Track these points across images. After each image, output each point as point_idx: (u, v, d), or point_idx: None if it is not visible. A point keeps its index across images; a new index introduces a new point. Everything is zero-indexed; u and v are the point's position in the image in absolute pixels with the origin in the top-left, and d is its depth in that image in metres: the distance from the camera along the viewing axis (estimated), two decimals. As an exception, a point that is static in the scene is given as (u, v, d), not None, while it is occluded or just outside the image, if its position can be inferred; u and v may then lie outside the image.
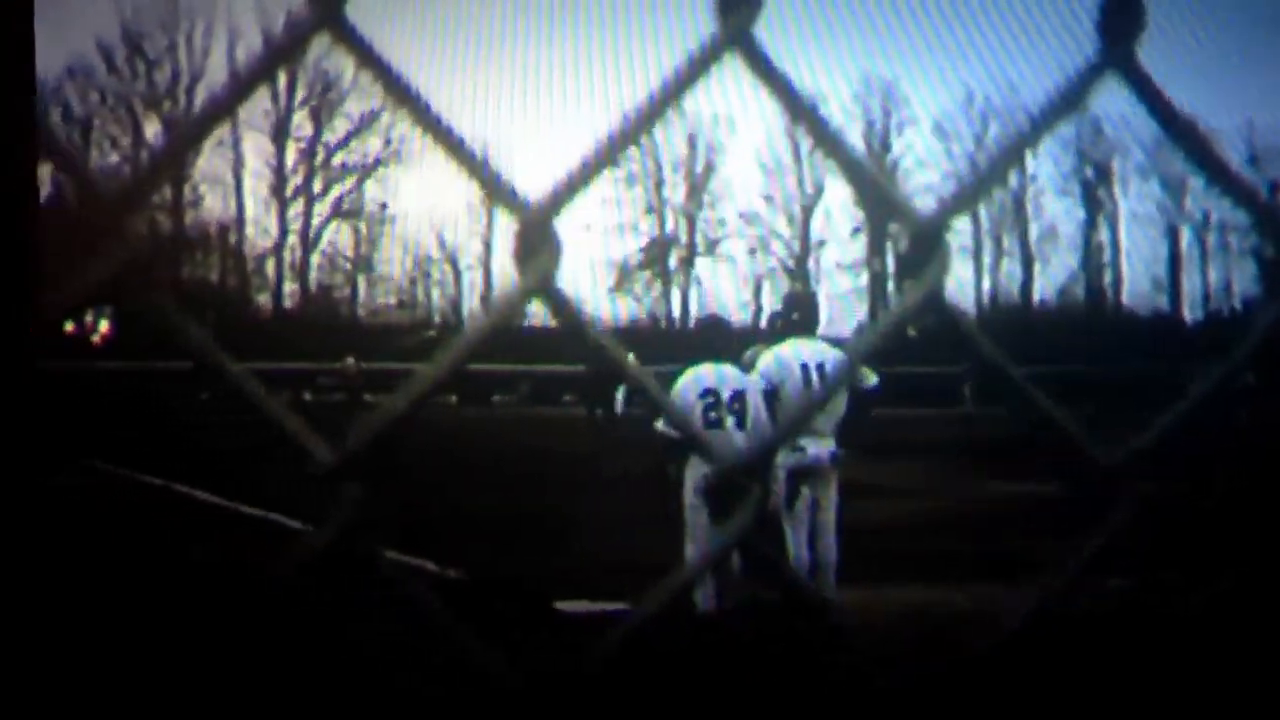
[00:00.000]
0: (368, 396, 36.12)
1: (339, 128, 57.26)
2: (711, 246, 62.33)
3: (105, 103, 54.69)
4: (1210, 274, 62.71)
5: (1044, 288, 62.75)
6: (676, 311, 60.43)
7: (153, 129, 54.71)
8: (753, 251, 62.26)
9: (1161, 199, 61.38)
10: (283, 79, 54.53)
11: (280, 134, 57.17)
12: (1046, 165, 60.10)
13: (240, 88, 0.74)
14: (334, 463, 0.71)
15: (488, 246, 58.23)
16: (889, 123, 61.88)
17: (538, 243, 0.77)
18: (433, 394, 0.77)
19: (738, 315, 54.49)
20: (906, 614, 7.87)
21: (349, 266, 59.59)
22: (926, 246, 0.82)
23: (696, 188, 61.71)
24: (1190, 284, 62.74)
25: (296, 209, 57.80)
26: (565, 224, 0.79)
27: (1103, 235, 62.88)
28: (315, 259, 58.66)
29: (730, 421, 7.41)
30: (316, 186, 58.13)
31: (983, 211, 60.60)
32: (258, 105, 55.11)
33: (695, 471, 7.00)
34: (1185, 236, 62.52)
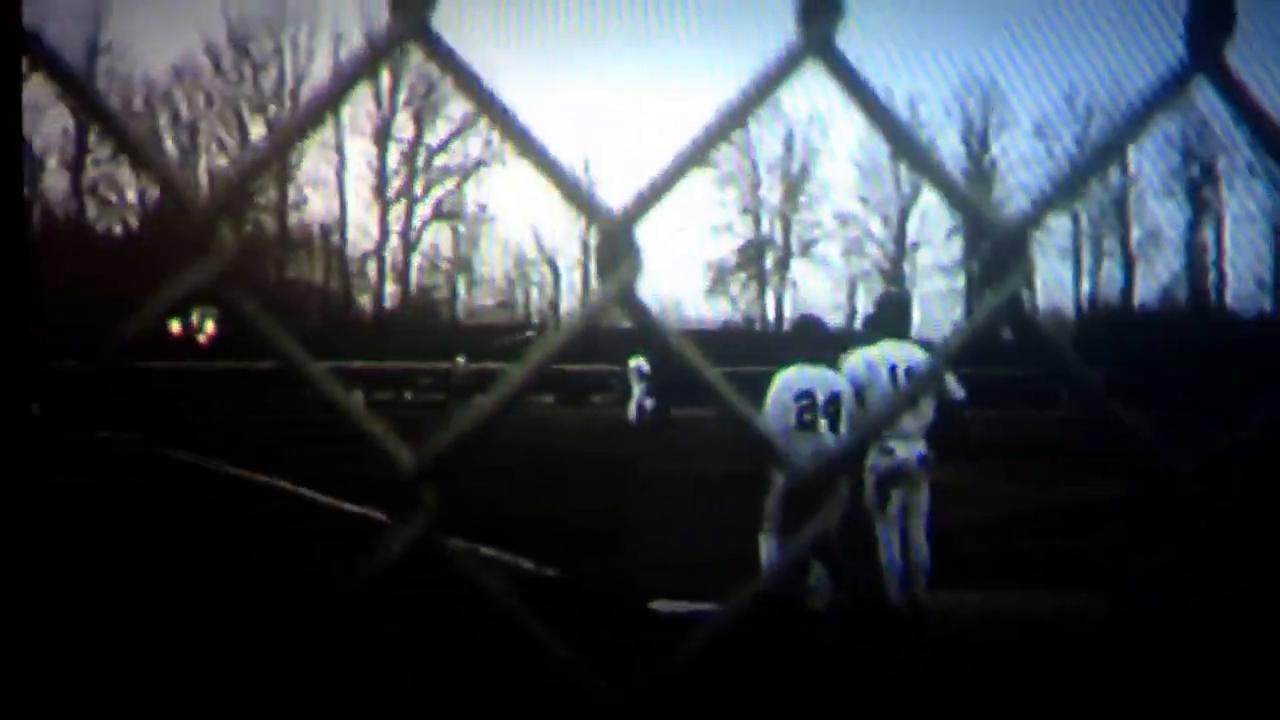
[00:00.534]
0: (478, 396, 36.29)
1: (440, 129, 57.81)
2: (806, 248, 62.07)
3: (212, 105, 55.63)
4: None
5: (1145, 290, 61.65)
6: (771, 314, 60.25)
7: (258, 132, 55.58)
8: (847, 253, 61.92)
9: (1264, 198, 60.05)
10: (385, 81, 55.18)
11: (383, 136, 57.80)
12: (1149, 165, 59.05)
13: (321, 103, 0.76)
14: (415, 467, 0.72)
15: (586, 248, 58.44)
16: (988, 122, 61.12)
17: (618, 251, 0.78)
18: (517, 398, 0.78)
19: (832, 317, 54.24)
20: (991, 616, 7.81)
21: (449, 267, 60.15)
22: (1008, 254, 0.82)
23: (792, 189, 61.46)
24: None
25: (398, 210, 58.45)
26: (651, 230, 0.79)
27: (1206, 235, 61.59)
28: (416, 260, 59.31)
29: (824, 424, 7.41)
30: (418, 188, 58.72)
31: (1083, 213, 59.72)
32: (360, 108, 55.83)
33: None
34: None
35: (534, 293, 61.35)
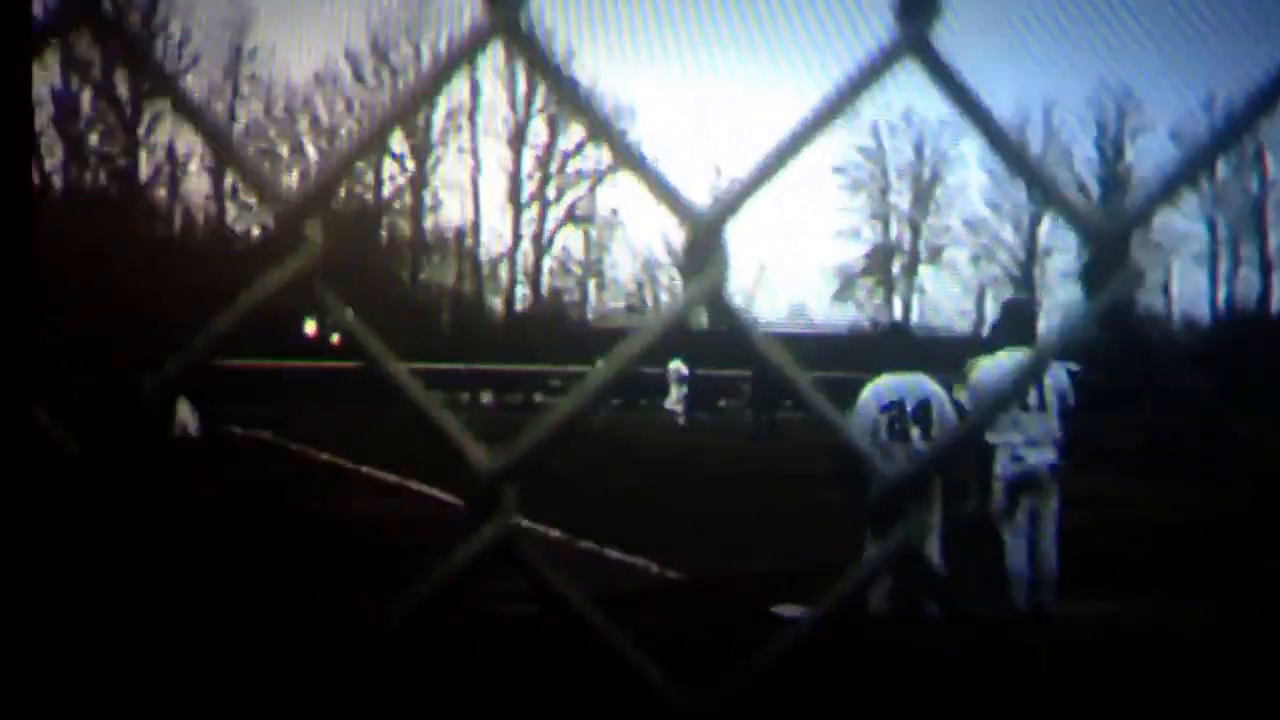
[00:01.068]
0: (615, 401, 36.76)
1: (574, 134, 58.18)
2: (935, 254, 61.45)
3: (351, 111, 56.58)
4: None
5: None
6: (899, 319, 59.68)
7: (396, 137, 56.40)
8: (977, 259, 61.14)
9: None
10: (522, 86, 55.68)
11: (517, 140, 58.37)
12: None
13: (408, 101, 0.76)
14: (493, 472, 0.72)
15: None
16: (1122, 127, 59.88)
17: (708, 252, 0.77)
18: (597, 400, 0.77)
19: (959, 324, 53.67)
20: (1122, 627, 7.67)
21: (580, 271, 60.59)
22: (1110, 259, 0.79)
23: (922, 194, 60.89)
24: None
25: (531, 214, 59.00)
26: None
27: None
28: (547, 263, 59.80)
29: (916, 432, 7.36)
30: (550, 192, 59.22)
31: (1220, 218, 58.31)
32: (496, 114, 56.43)
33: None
34: None
35: (663, 296, 61.52)
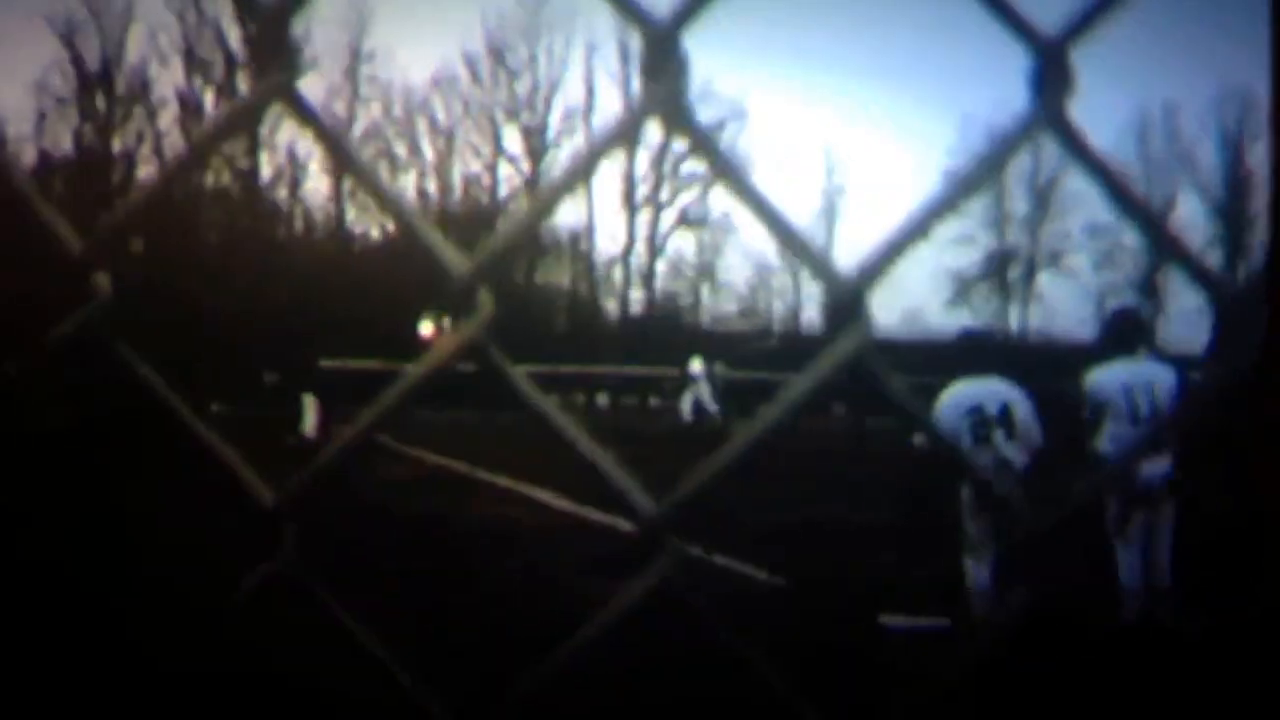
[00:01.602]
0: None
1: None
2: (1054, 259, 60.34)
3: (468, 112, 56.98)
4: None
5: None
6: (1015, 325, 58.77)
7: (512, 138, 56.76)
8: (1098, 266, 59.89)
9: None
10: (636, 89, 55.64)
11: (631, 143, 58.34)
12: None
13: (576, 171, 0.80)
14: (656, 517, 0.75)
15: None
16: (1243, 133, 58.27)
17: (849, 315, 0.79)
18: (762, 443, 0.81)
19: (1078, 331, 52.69)
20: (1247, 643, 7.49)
21: (693, 274, 60.43)
22: (1241, 322, 0.81)
23: (1041, 200, 59.83)
24: None
25: (644, 217, 58.96)
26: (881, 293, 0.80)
27: None
28: (660, 266, 59.74)
29: (999, 435, 7.35)
30: (664, 195, 59.13)
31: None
32: (611, 116, 56.37)
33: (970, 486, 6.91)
34: None
35: (775, 301, 61.20)
